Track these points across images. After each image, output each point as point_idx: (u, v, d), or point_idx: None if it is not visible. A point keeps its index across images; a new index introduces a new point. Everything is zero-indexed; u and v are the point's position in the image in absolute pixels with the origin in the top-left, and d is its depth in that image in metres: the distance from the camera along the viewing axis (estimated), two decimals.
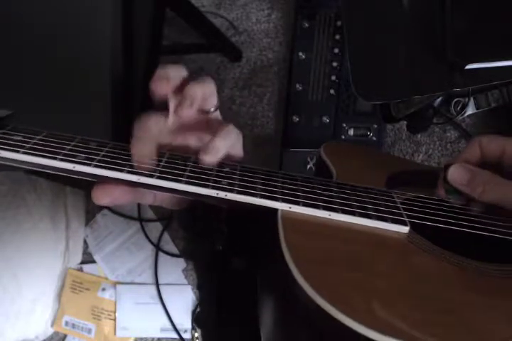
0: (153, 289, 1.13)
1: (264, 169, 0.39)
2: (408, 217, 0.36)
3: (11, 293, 1.03)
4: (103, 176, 0.35)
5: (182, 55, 1.16)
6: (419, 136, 1.01)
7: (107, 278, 1.17)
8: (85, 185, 1.13)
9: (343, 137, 0.94)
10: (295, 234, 0.33)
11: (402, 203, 0.38)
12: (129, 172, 0.35)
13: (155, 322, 1.13)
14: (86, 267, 1.19)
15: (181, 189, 0.35)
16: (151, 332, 1.14)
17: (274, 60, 1.11)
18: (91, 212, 1.20)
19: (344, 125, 0.94)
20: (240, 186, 0.36)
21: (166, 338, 1.14)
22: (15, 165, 0.36)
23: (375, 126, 0.93)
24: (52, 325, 1.18)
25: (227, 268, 0.42)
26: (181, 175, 0.36)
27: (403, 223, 0.35)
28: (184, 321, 1.12)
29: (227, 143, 0.38)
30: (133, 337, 1.15)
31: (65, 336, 1.19)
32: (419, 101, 0.83)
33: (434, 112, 0.93)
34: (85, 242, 1.20)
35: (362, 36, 0.60)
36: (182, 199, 0.40)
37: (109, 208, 1.18)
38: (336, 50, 0.97)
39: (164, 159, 0.37)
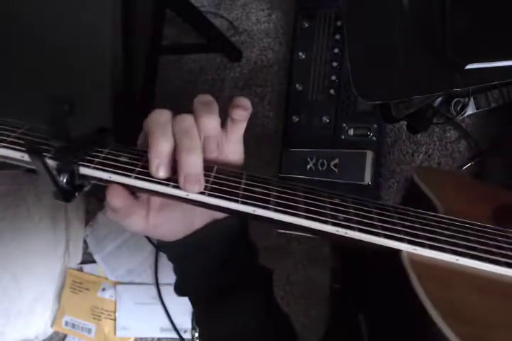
0: (153, 289, 1.13)
1: (375, 201, 0.36)
2: None
3: (11, 293, 1.03)
4: (218, 206, 0.34)
5: (182, 55, 1.16)
6: (419, 136, 1.01)
7: (107, 278, 1.17)
8: None
9: (343, 137, 0.94)
10: (430, 281, 0.30)
11: None
12: (243, 203, 0.33)
13: (155, 322, 1.13)
14: (86, 267, 1.19)
15: (298, 223, 0.33)
16: (151, 332, 1.14)
17: (274, 60, 1.11)
18: (91, 212, 1.20)
19: (344, 125, 0.94)
20: (361, 224, 0.33)
21: (166, 338, 1.14)
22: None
23: (375, 126, 0.93)
24: (52, 325, 1.18)
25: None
26: (296, 208, 0.33)
27: None
28: (184, 321, 1.12)
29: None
30: (133, 337, 1.15)
31: (65, 336, 1.19)
32: (419, 101, 0.83)
33: (434, 112, 0.93)
34: (85, 242, 1.20)
35: (362, 36, 0.60)
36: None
37: None
38: (336, 50, 0.97)
39: (273, 187, 0.35)
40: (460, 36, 0.55)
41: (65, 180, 0.33)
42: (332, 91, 0.96)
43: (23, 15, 0.69)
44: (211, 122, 0.37)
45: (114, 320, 1.14)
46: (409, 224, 0.34)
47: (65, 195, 0.34)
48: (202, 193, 0.33)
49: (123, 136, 0.67)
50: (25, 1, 0.69)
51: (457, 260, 0.33)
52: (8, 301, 1.02)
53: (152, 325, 1.13)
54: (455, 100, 0.93)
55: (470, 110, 0.93)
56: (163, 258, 1.14)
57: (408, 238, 0.33)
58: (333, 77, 0.96)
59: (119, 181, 0.34)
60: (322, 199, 0.35)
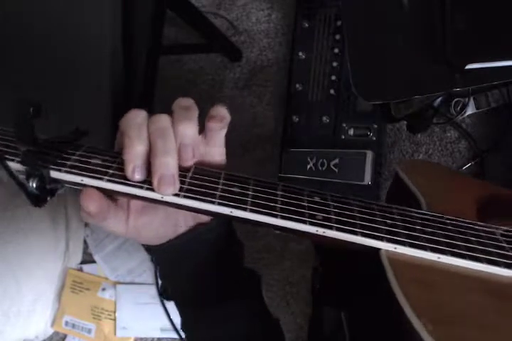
0: (153, 289, 1.13)
1: (357, 199, 0.36)
2: None
3: (11, 293, 1.03)
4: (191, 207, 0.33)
5: (182, 55, 1.16)
6: (419, 136, 1.01)
7: (107, 278, 1.17)
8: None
9: (343, 137, 0.94)
10: (410, 283, 0.29)
11: (506, 242, 0.35)
12: (220, 204, 0.32)
13: (155, 322, 1.13)
14: (86, 267, 1.19)
15: (278, 224, 0.32)
16: (151, 332, 1.14)
17: (274, 60, 1.11)
18: None
19: (344, 125, 0.94)
20: (340, 222, 0.32)
21: (166, 338, 1.13)
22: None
23: (375, 126, 0.93)
24: (52, 325, 1.18)
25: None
26: (274, 208, 0.32)
27: None
28: None
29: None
30: (133, 337, 1.15)
31: (65, 336, 1.19)
32: (419, 101, 0.83)
33: (434, 112, 0.93)
34: (85, 242, 1.20)
35: (362, 36, 0.60)
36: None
37: None
38: (336, 50, 0.97)
39: (251, 187, 0.34)
40: (460, 36, 0.55)
41: (34, 185, 0.32)
42: (332, 91, 0.96)
43: (22, 16, 0.69)
44: (188, 129, 0.35)
45: (114, 320, 1.14)
46: (390, 222, 0.34)
47: (36, 200, 0.32)
48: (177, 195, 0.32)
49: None
50: (25, 2, 0.69)
51: (439, 258, 0.32)
52: (8, 301, 1.02)
53: (152, 325, 1.13)
54: (455, 100, 0.93)
55: (470, 110, 0.93)
56: None
57: (388, 236, 0.32)
58: (333, 77, 0.96)
59: (92, 184, 0.33)
60: (301, 198, 0.34)
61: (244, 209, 0.32)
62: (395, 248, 0.32)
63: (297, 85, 0.99)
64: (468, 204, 0.40)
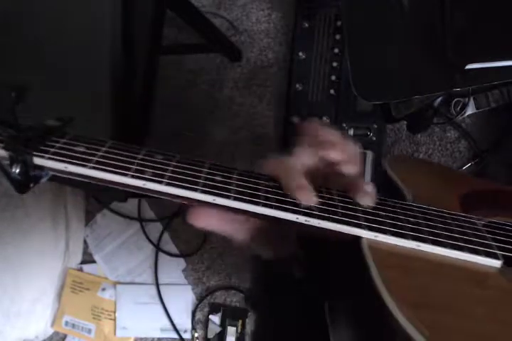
0: (153, 289, 1.13)
1: (339, 190, 0.36)
2: (498, 248, 0.33)
3: (11, 293, 1.03)
4: (176, 195, 0.33)
5: (182, 55, 1.16)
6: (419, 136, 1.01)
7: (107, 278, 1.17)
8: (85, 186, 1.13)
9: None
10: (389, 269, 0.30)
11: (487, 231, 0.35)
12: (203, 191, 0.32)
13: (155, 322, 1.13)
14: (86, 267, 1.19)
15: (259, 212, 0.32)
16: (151, 332, 1.14)
17: (274, 60, 1.11)
18: (91, 212, 1.20)
19: (344, 125, 0.94)
20: (321, 211, 0.33)
21: (166, 338, 1.14)
22: (75, 178, 0.33)
23: (375, 126, 0.93)
24: (52, 325, 1.18)
25: (295, 290, 0.40)
26: (258, 197, 0.33)
27: (495, 256, 0.32)
28: (184, 321, 1.12)
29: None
30: (133, 337, 1.15)
31: (65, 336, 1.19)
32: (419, 101, 0.83)
33: (434, 112, 0.93)
34: (85, 242, 1.20)
35: (362, 36, 0.60)
36: (276, 241, 0.37)
37: (109, 208, 1.18)
38: (336, 50, 0.97)
39: (235, 176, 0.34)
40: (460, 36, 0.55)
41: (17, 171, 0.32)
42: (332, 91, 0.96)
43: (22, 16, 0.69)
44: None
45: (114, 320, 1.14)
46: (371, 211, 0.34)
47: (19, 186, 0.32)
48: (159, 182, 0.32)
49: (123, 136, 0.67)
50: (26, 2, 0.69)
51: (418, 246, 0.32)
52: (8, 301, 1.02)
53: (152, 325, 1.13)
54: (455, 100, 0.93)
55: (470, 110, 0.93)
56: (163, 258, 1.15)
57: (369, 224, 0.33)
58: (333, 77, 0.96)
59: (76, 172, 0.32)
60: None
61: (228, 197, 0.32)
62: (376, 236, 0.32)
63: (297, 85, 0.99)
64: (452, 197, 0.41)
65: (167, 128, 1.09)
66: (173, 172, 0.33)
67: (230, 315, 1.09)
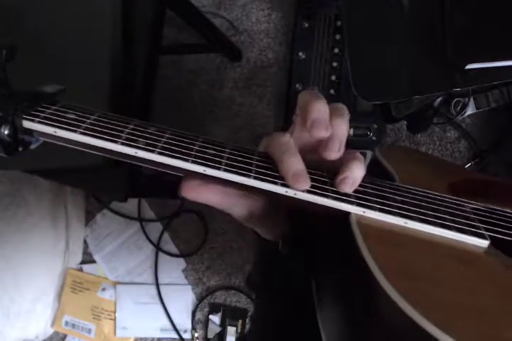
0: (153, 289, 1.13)
1: (329, 169, 0.36)
2: (486, 230, 0.34)
3: (11, 292, 1.03)
4: (167, 165, 0.33)
5: (182, 55, 1.16)
6: (419, 136, 1.01)
7: (107, 278, 1.17)
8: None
9: None
10: (376, 242, 0.30)
11: (474, 214, 0.36)
12: (194, 162, 0.33)
13: (155, 322, 1.13)
14: (86, 267, 1.19)
15: (249, 184, 0.33)
16: (151, 332, 1.14)
17: (274, 60, 1.11)
18: (91, 212, 1.21)
19: None
20: (312, 186, 0.33)
21: (166, 338, 1.14)
22: (63, 144, 0.33)
23: (375, 126, 0.93)
24: (52, 325, 1.18)
25: (282, 268, 0.40)
26: (249, 170, 0.33)
27: (483, 236, 0.33)
28: (184, 321, 1.12)
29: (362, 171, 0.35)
30: (133, 337, 1.15)
31: (65, 336, 1.19)
32: (419, 101, 0.83)
33: (434, 112, 0.93)
34: (85, 242, 1.20)
35: (362, 36, 0.60)
36: (271, 218, 0.38)
37: (109, 208, 1.18)
38: (336, 50, 0.97)
39: (227, 150, 0.35)
40: (460, 36, 0.55)
41: (6, 132, 0.32)
42: (332, 92, 0.96)
43: (22, 16, 0.69)
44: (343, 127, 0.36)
45: (114, 320, 1.14)
46: (362, 189, 0.35)
47: (7, 147, 0.33)
48: (151, 151, 0.32)
49: None
50: (26, 1, 0.69)
51: (406, 223, 0.33)
52: (8, 301, 1.02)
53: (152, 325, 1.13)
54: (455, 100, 0.93)
55: (470, 110, 0.93)
56: (163, 258, 1.15)
57: (357, 201, 0.33)
58: (333, 77, 0.96)
59: (65, 136, 0.32)
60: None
61: (218, 169, 0.33)
62: (364, 212, 0.33)
63: (297, 85, 0.99)
64: (442, 185, 0.41)
65: None
66: (165, 143, 0.33)
67: (230, 315, 1.09)
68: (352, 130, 0.94)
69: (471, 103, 0.93)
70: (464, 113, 0.93)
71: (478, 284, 0.30)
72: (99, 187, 0.74)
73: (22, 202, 1.02)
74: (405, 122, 0.98)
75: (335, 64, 0.97)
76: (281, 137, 0.36)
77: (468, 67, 0.54)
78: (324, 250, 0.37)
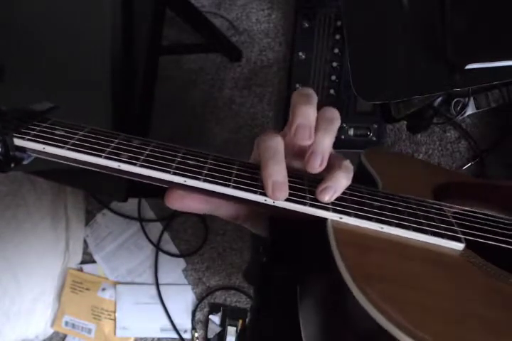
0: (153, 289, 1.13)
1: (310, 176, 0.37)
2: (463, 233, 0.34)
3: (11, 293, 1.03)
4: (149, 177, 0.34)
5: (182, 55, 1.16)
6: (419, 136, 1.01)
7: (107, 278, 1.17)
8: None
9: (343, 137, 0.94)
10: (349, 247, 0.31)
11: (454, 217, 0.36)
12: (175, 173, 0.34)
13: (155, 322, 1.13)
14: (86, 267, 1.19)
15: (228, 193, 0.34)
16: (151, 332, 1.14)
17: (274, 60, 1.11)
18: (91, 212, 1.21)
19: (344, 125, 0.94)
20: (290, 194, 0.34)
21: (166, 338, 1.14)
22: (54, 160, 0.35)
23: (375, 126, 0.93)
24: (52, 325, 1.18)
25: (268, 274, 0.41)
26: (229, 180, 0.34)
27: (458, 240, 0.34)
28: (184, 321, 1.12)
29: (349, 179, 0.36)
30: (133, 337, 1.15)
31: (65, 336, 1.19)
32: (419, 101, 0.83)
33: (434, 112, 0.93)
34: (85, 242, 1.20)
35: (362, 36, 0.60)
36: (255, 217, 0.38)
37: (109, 208, 1.18)
38: (336, 50, 0.97)
39: (209, 161, 0.36)
40: (460, 36, 0.55)
41: None
42: (332, 92, 0.96)
43: (22, 16, 0.69)
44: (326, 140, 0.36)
45: (114, 320, 1.14)
46: (339, 195, 0.35)
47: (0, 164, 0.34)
48: (133, 164, 0.34)
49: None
50: (26, 1, 0.69)
51: (382, 228, 0.33)
52: (8, 301, 1.02)
53: (152, 325, 1.13)
54: (455, 100, 0.93)
55: (470, 110, 0.93)
56: (163, 258, 1.15)
57: (334, 207, 0.34)
58: (333, 77, 0.96)
59: (53, 152, 0.34)
60: (257, 172, 0.36)
61: (198, 179, 0.34)
62: (341, 218, 0.33)
63: (297, 85, 0.99)
64: (425, 187, 0.42)
65: (167, 128, 1.09)
66: (148, 155, 0.35)
67: (230, 315, 1.09)
68: (352, 130, 0.94)
69: (471, 103, 0.93)
70: (464, 113, 0.93)
71: (449, 286, 0.30)
72: (99, 187, 0.74)
73: (22, 202, 1.02)
74: (405, 122, 0.98)
75: (335, 64, 0.97)
76: (270, 140, 0.36)
77: (468, 67, 0.53)
78: (305, 254, 0.37)
